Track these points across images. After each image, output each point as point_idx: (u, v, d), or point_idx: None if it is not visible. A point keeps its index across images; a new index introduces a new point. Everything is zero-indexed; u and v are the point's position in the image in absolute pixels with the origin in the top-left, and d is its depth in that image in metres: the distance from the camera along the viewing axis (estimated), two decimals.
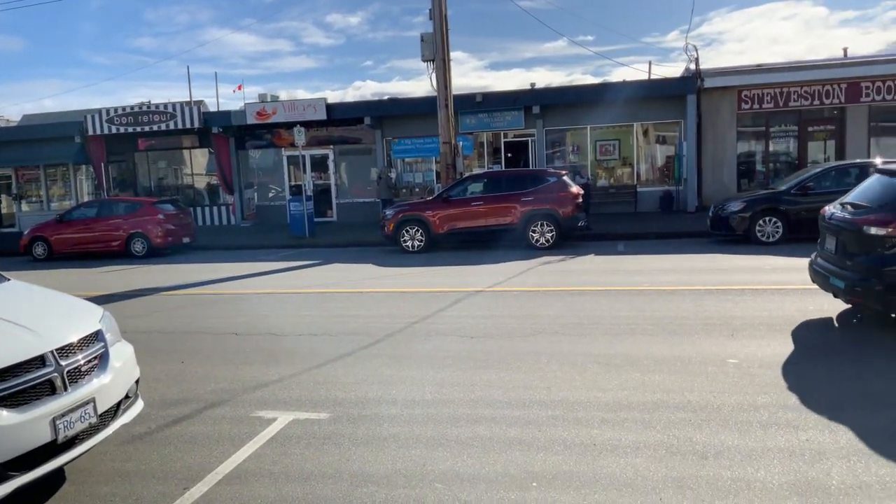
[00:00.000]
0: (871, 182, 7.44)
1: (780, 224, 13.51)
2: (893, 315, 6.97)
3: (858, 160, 15.36)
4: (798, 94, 19.38)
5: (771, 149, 20.53)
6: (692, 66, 20.93)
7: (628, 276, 10.86)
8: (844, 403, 5.00)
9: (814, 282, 7.84)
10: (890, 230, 6.41)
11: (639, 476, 4.05)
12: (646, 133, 21.83)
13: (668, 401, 5.25)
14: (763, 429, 4.64)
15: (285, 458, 4.57)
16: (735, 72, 20.30)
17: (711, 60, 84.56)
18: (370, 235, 17.98)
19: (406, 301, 9.81)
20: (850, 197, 7.59)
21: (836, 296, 7.37)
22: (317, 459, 4.52)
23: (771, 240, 13.51)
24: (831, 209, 7.71)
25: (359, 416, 5.25)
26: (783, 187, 14.16)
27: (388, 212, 16.31)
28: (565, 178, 15.59)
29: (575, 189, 15.40)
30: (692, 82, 20.05)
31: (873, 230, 6.54)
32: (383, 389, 5.85)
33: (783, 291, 9.01)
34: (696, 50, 21.71)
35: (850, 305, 7.49)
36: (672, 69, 42.49)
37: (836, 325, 7.25)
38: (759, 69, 20.16)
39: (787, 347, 6.48)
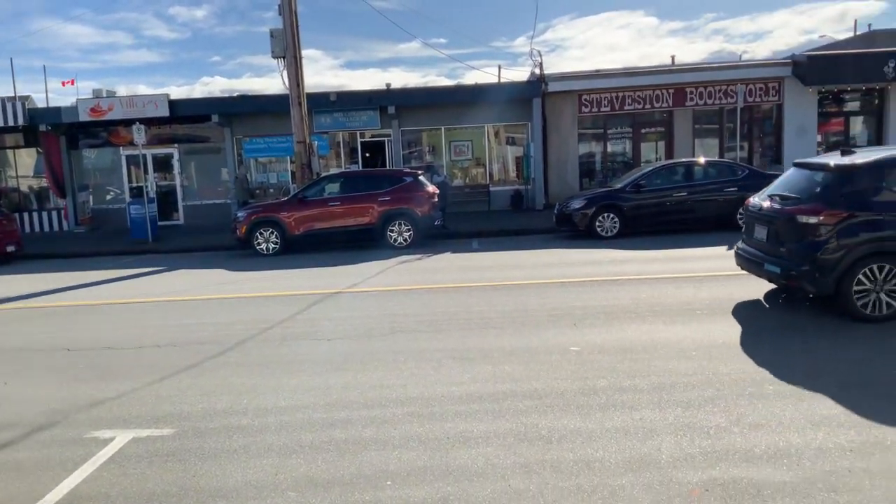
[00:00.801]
0: (792, 174, 8.14)
1: (617, 219, 14.53)
2: (811, 295, 7.49)
3: (683, 159, 16.88)
4: (632, 98, 20.93)
5: (609, 149, 22.01)
6: (537, 71, 21.97)
7: (481, 273, 11.21)
8: (674, 385, 5.47)
9: (742, 269, 8.47)
10: (821, 218, 7.00)
11: (489, 465, 4.20)
12: (497, 134, 22.63)
13: (517, 390, 5.48)
14: (602, 411, 4.98)
15: (124, 479, 4.27)
16: (575, 77, 21.56)
17: (556, 66, 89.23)
18: (221, 239, 17.23)
19: (259, 306, 9.51)
20: (774, 189, 8.17)
21: (770, 280, 7.98)
22: (159, 478, 4.27)
23: (610, 234, 14.50)
24: (757, 201, 8.28)
25: (206, 430, 5.02)
26: (619, 185, 15.25)
27: (241, 213, 15.71)
28: (421, 177, 15.81)
29: (431, 188, 15.66)
30: (537, 86, 21.05)
31: (806, 219, 7.11)
32: (233, 399, 5.63)
33: (619, 282, 9.70)
34: (541, 55, 22.84)
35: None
36: (520, 73, 44.24)
37: (668, 310, 7.91)
38: (597, 74, 21.54)
39: (622, 334, 6.98)
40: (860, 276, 6.93)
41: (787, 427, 4.54)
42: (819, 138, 21.16)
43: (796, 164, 8.27)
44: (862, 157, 7.41)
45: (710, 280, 9.47)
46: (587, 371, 5.87)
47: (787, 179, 8.16)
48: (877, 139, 20.79)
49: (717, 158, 18.46)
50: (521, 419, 4.89)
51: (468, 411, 5.09)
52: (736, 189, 14.44)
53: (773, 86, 20.40)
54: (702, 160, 15.99)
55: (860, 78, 20.03)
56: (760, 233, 7.98)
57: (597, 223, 14.63)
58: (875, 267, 6.89)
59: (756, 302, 8.07)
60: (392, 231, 15.04)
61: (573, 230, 15.13)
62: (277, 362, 6.64)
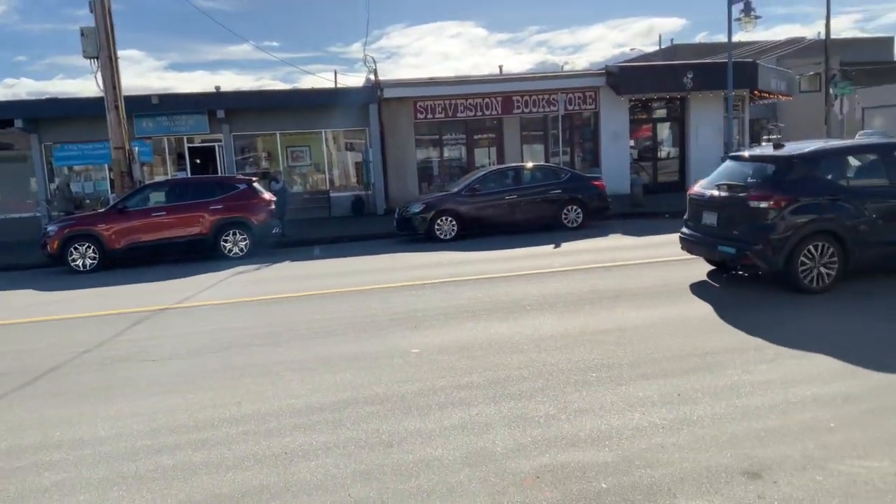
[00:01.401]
0: (729, 166, 9.02)
1: (455, 222, 14.95)
2: (760, 273, 8.40)
3: (513, 164, 17.75)
4: (464, 105, 21.64)
5: (445, 155, 22.60)
6: (372, 77, 22.06)
7: (323, 280, 11.03)
8: (508, 378, 5.70)
9: (690, 252, 9.40)
10: (771, 203, 7.88)
11: (329, 476, 4.13)
12: (335, 140, 22.42)
13: (358, 397, 5.45)
14: (441, 410, 5.08)
15: None
16: (410, 84, 21.91)
17: (392, 72, 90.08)
18: (30, 256, 15.53)
19: (74, 329, 8.67)
20: (716, 179, 8.87)
21: (723, 261, 8.87)
22: None
23: (449, 237, 14.88)
24: (701, 190, 9.03)
25: (11, 469, 4.49)
26: (455, 189, 15.71)
27: (51, 228, 14.25)
28: (256, 184, 15.27)
29: (267, 196, 15.17)
30: (373, 92, 21.13)
31: (757, 204, 7.96)
32: (44, 433, 5.09)
33: (458, 283, 9.98)
34: (375, 62, 23.05)
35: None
36: (357, 79, 44.22)
37: (502, 308, 8.23)
38: (431, 82, 22.05)
39: (460, 333, 7.18)
40: (804, 254, 7.89)
41: (608, 410, 4.89)
42: (632, 143, 23.13)
43: (732, 157, 9.25)
44: (797, 149, 8.48)
45: (540, 277, 10.01)
46: (427, 372, 5.97)
47: (726, 170, 8.99)
48: (680, 142, 23.11)
49: (542, 163, 19.60)
50: (363, 426, 4.86)
51: (308, 423, 4.98)
52: (560, 191, 15.41)
53: (590, 95, 22.01)
54: (529, 165, 16.91)
55: (664, 88, 22.15)
56: (710, 218, 8.76)
57: (436, 226, 14.95)
58: (815, 245, 7.87)
59: (582, 295, 8.63)
60: (226, 241, 14.38)
61: (414, 234, 15.34)
62: (95, 389, 6.09)
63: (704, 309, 7.61)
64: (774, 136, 31.00)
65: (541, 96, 21.72)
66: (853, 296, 7.81)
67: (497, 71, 39.29)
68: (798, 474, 3.84)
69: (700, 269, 9.78)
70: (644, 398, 5.09)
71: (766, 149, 9.23)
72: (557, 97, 19.89)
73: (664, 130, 23.84)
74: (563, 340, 6.70)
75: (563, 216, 15.40)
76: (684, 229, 9.47)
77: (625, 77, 21.69)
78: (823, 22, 42.39)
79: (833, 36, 45.47)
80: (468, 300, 8.72)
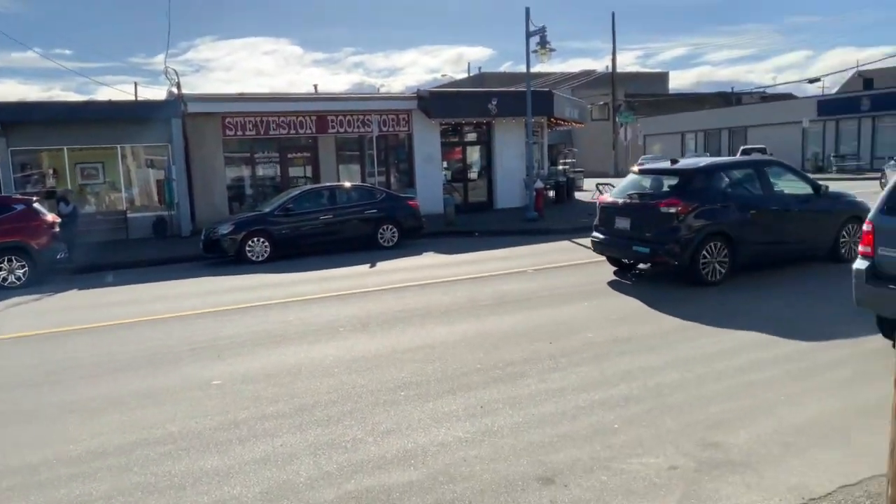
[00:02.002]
0: (634, 179, 10.54)
1: (267, 243, 14.43)
2: (673, 266, 9.61)
3: (328, 184, 17.59)
4: (277, 123, 21.08)
5: (258, 173, 21.82)
6: (175, 91, 20.78)
7: (115, 309, 10.07)
8: (316, 404, 5.54)
9: (604, 254, 10.73)
10: (679, 209, 9.17)
11: None
12: (135, 156, 20.76)
13: (150, 437, 5.00)
14: (241, 444, 4.80)
15: None
16: (217, 99, 20.94)
17: (202, 86, 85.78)
18: None
19: None
20: (625, 190, 10.32)
21: (637, 260, 10.25)
22: None
23: (261, 259, 14.32)
24: (612, 199, 10.32)
25: None
26: (268, 209, 15.20)
27: None
28: (37, 205, 13.65)
29: (49, 217, 13.61)
30: (176, 106, 19.89)
31: (667, 209, 9.26)
32: None
33: (269, 306, 9.61)
34: (178, 74, 21.58)
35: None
36: (162, 92, 41.48)
37: (314, 330, 8.03)
38: (240, 98, 21.26)
39: (268, 359, 6.89)
40: (704, 251, 9.21)
41: (414, 429, 4.93)
42: (445, 165, 23.95)
43: (637, 171, 10.82)
44: (693, 164, 10.23)
45: (354, 297, 9.94)
46: (229, 404, 5.63)
47: (631, 183, 10.49)
48: (487, 164, 24.31)
49: (358, 183, 19.62)
50: (153, 469, 4.45)
51: (87, 472, 4.46)
52: (376, 211, 15.50)
53: (403, 117, 22.47)
54: (345, 185, 16.85)
55: (472, 113, 23.21)
56: (623, 223, 9.98)
57: (247, 248, 14.33)
58: (713, 244, 9.23)
59: (395, 314, 8.68)
60: (1, 269, 12.68)
61: (223, 256, 14.58)
62: None
63: (507, 322, 7.98)
64: (570, 160, 33.74)
65: (356, 117, 21.78)
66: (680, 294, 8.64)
67: (312, 90, 38.87)
68: (586, 476, 4.11)
69: (508, 284, 10.29)
70: (450, 413, 5.19)
71: (663, 163, 11.31)
72: (372, 118, 20.07)
73: (474, 153, 24.95)
74: (375, 361, 6.67)
75: (379, 235, 15.49)
76: (596, 234, 10.62)
77: (435, 102, 22.42)
78: (611, 57, 47.21)
79: (619, 70, 50.77)
80: (278, 324, 8.42)
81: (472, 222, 19.21)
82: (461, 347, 6.99)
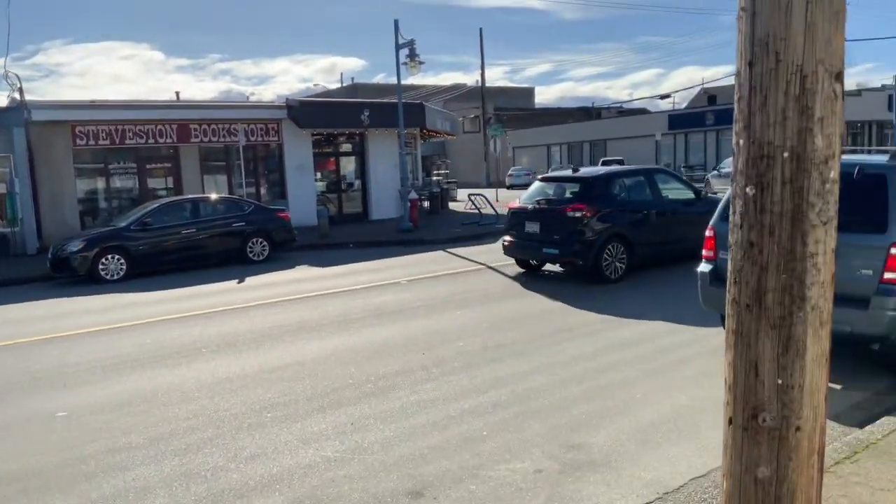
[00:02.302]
0: (540, 186, 11.42)
1: (123, 261, 13.48)
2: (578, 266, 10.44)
3: (191, 195, 16.75)
4: (134, 132, 19.81)
5: (113, 185, 20.41)
6: (17, 97, 19.02)
7: None
8: (173, 432, 5.20)
9: (515, 256, 11.32)
10: (584, 213, 10.01)
11: None
12: None
13: None
14: (88, 481, 4.40)
15: None
16: (65, 106, 19.37)
17: (53, 93, 79.40)
18: None
19: None
20: (533, 196, 11.06)
21: (547, 260, 10.99)
22: None
23: (116, 277, 13.34)
24: (522, 205, 10.99)
25: None
26: (124, 224, 14.22)
27: None
28: None
29: None
30: (18, 114, 18.21)
31: (573, 214, 10.05)
32: None
33: (122, 329, 8.96)
34: (20, 79, 19.74)
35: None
36: (2, 99, 37.90)
37: (173, 353, 7.56)
38: (92, 105, 19.78)
39: (122, 387, 6.40)
40: (606, 252, 10.07)
41: (281, 452, 4.74)
42: (319, 175, 23.55)
43: (542, 179, 11.82)
44: (593, 172, 11.26)
45: (220, 315, 9.49)
46: (76, 437, 5.17)
47: (538, 190, 11.33)
48: (361, 175, 24.17)
49: (225, 194, 18.83)
50: None
51: None
52: (244, 224, 14.92)
53: (272, 127, 21.86)
54: (210, 196, 16.12)
55: (344, 123, 23.00)
56: (532, 227, 10.66)
57: (100, 266, 13.31)
58: (612, 245, 10.10)
59: (264, 331, 8.35)
60: None
61: (73, 275, 13.45)
62: None
63: (381, 334, 7.90)
64: (444, 171, 34.29)
65: (221, 126, 20.91)
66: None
67: (175, 97, 37.01)
68: (455, 487, 4.12)
69: (381, 296, 10.22)
70: (318, 432, 5.05)
71: (566, 172, 12.42)
72: (238, 127, 19.36)
73: (349, 164, 24.73)
74: (240, 382, 6.38)
75: (249, 249, 14.92)
76: (507, 237, 11.23)
77: (305, 111, 22.02)
78: (480, 71, 48.53)
79: (488, 84, 52.27)
80: (134, 348, 7.85)
81: (347, 234, 18.99)
82: (332, 363, 6.84)
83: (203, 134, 20.75)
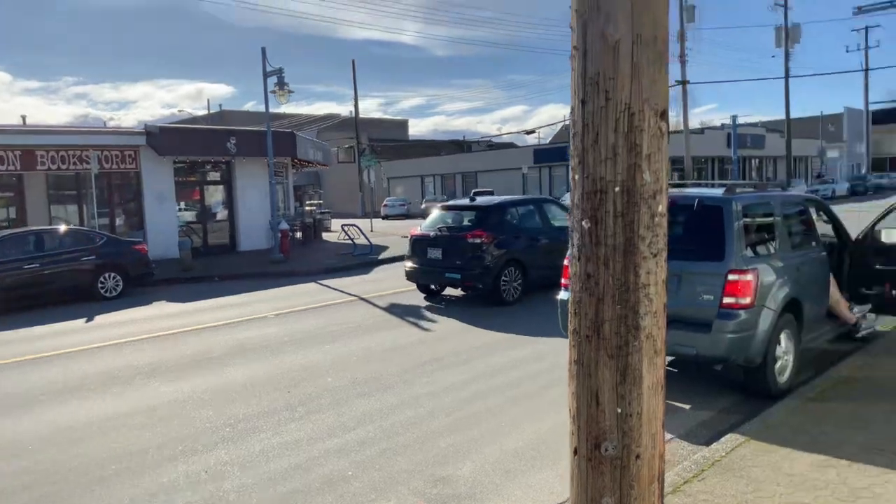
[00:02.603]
0: (440, 214, 11.86)
1: None
2: (478, 287, 10.99)
3: (35, 227, 15.32)
4: None
5: None
6: None
7: None
8: (1, 496, 4.62)
9: (418, 281, 11.74)
10: (483, 239, 10.61)
11: None
12: None
13: None
14: None
15: None
16: None
17: None
18: None
19: None
20: (434, 223, 11.60)
21: (449, 285, 11.40)
22: None
23: None
24: (423, 232, 11.50)
25: None
26: None
27: None
28: None
29: None
30: None
31: (473, 240, 10.65)
32: None
33: None
34: None
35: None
36: None
37: (8, 406, 6.79)
38: None
39: None
40: (504, 275, 10.70)
41: None
42: (182, 205, 22.39)
43: (442, 207, 12.26)
44: (490, 201, 11.96)
45: (64, 358, 8.66)
46: None
47: (439, 217, 11.77)
48: (229, 205, 23.24)
49: (75, 226, 17.42)
50: None
51: None
52: (95, 257, 13.82)
53: (129, 154, 20.57)
54: (58, 228, 14.83)
55: (209, 151, 22.07)
56: (434, 253, 11.15)
57: None
58: (509, 269, 10.73)
59: (113, 374, 7.69)
60: None
61: None
62: None
63: (243, 373, 7.51)
64: (316, 201, 33.78)
65: (72, 153, 19.41)
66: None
67: (21, 121, 34.16)
68: None
69: (247, 332, 9.77)
70: (168, 484, 4.67)
71: (464, 201, 13.31)
72: (91, 154, 18.06)
73: (215, 193, 23.73)
74: (82, 432, 5.81)
75: (100, 285, 13.83)
76: (409, 263, 11.68)
77: (166, 138, 20.94)
78: (354, 102, 48.59)
79: (362, 115, 52.42)
80: None
81: (212, 266, 18.13)
82: (188, 406, 6.40)
83: (51, 161, 19.18)
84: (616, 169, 1.87)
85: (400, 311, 10.90)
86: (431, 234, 11.44)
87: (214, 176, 23.47)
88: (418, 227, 12.06)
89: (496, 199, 12.60)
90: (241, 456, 5.11)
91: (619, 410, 1.92)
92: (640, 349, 1.91)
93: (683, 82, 34.00)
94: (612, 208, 1.88)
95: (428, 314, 10.52)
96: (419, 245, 11.54)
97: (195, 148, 21.88)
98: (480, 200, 12.15)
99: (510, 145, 58.74)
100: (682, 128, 34.65)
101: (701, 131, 45.46)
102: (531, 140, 55.15)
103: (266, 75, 18.46)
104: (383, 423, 5.69)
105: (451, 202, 14.09)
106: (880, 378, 6.03)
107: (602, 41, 1.84)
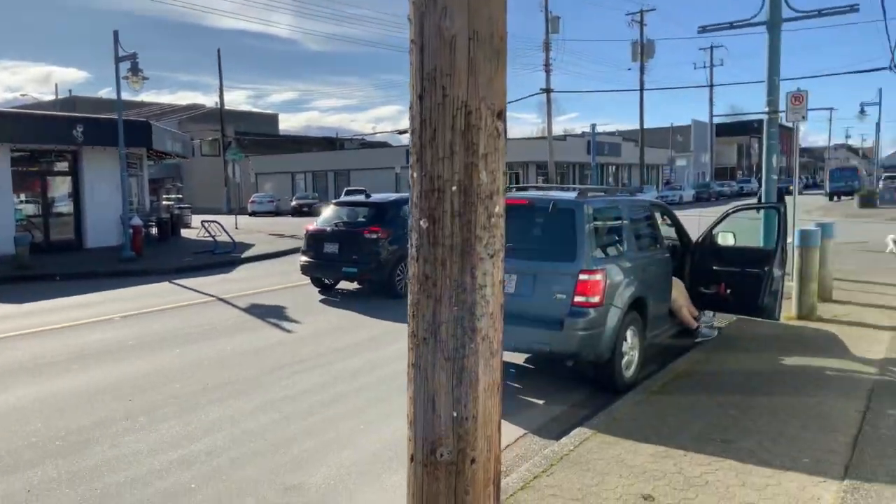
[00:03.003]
0: (336, 210, 12.24)
1: None
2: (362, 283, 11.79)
3: None
4: None
5: None
6: None
7: None
8: None
9: (314, 274, 11.89)
10: (380, 235, 10.95)
11: None
12: None
13: None
14: None
15: None
16: None
17: None
18: None
19: None
20: (330, 219, 11.88)
21: (345, 279, 11.61)
22: None
23: None
24: (319, 227, 11.75)
25: None
26: None
27: None
28: None
29: None
30: None
31: (370, 235, 10.95)
32: None
33: None
34: None
35: None
36: None
37: None
38: None
39: None
40: (398, 269, 11.03)
41: None
42: (22, 198, 20.36)
43: (336, 203, 12.56)
44: (385, 198, 12.07)
45: None
46: None
47: (334, 213, 12.10)
48: (75, 198, 21.37)
49: None
50: None
51: None
52: None
53: None
54: None
55: (53, 139, 20.20)
56: (332, 248, 11.35)
57: None
58: (403, 263, 10.71)
59: None
60: None
61: None
62: None
63: (81, 380, 6.88)
64: (177, 196, 31.97)
65: None
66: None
67: None
68: None
69: (89, 335, 8.98)
70: None
71: (359, 196, 13.65)
72: None
73: (61, 185, 21.75)
74: None
75: None
76: (304, 258, 11.75)
77: (3, 123, 18.99)
78: (219, 93, 46.51)
79: (229, 107, 50.31)
80: None
81: (55, 264, 16.60)
82: (12, 419, 5.76)
83: None
84: (453, 167, 1.82)
85: (261, 311, 10.48)
86: (328, 229, 11.68)
87: (61, 166, 21.54)
88: (314, 223, 12.28)
89: (392, 195, 12.76)
90: (70, 471, 4.66)
91: (455, 414, 1.88)
92: (476, 351, 1.88)
93: (548, 90, 35.49)
94: (450, 208, 1.84)
95: (291, 314, 10.20)
96: (315, 240, 11.72)
97: (35, 135, 19.96)
98: (376, 197, 12.40)
99: (384, 144, 58.67)
100: (546, 134, 36.13)
101: (564, 138, 47.68)
102: (405, 140, 55.38)
103: (118, 60, 17.16)
104: (234, 430, 5.41)
105: (345, 198, 14.24)
106: (714, 371, 6.52)
107: (439, 36, 1.79)
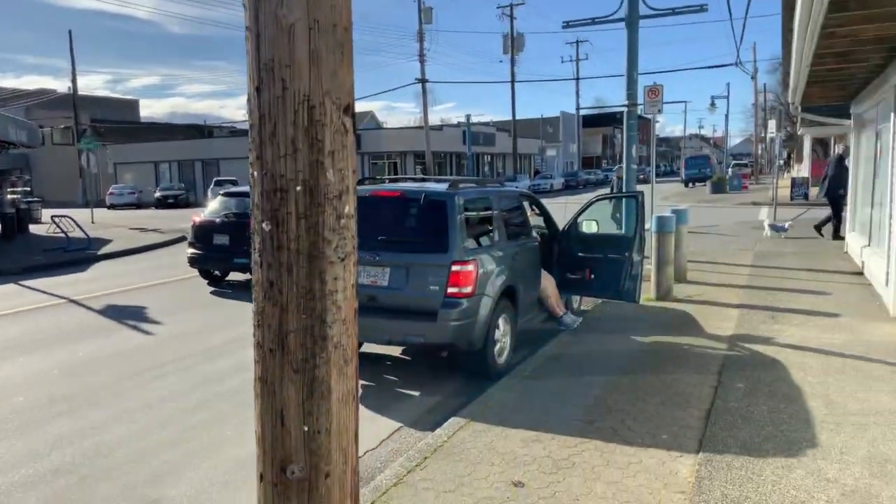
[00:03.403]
0: (222, 201, 11.86)
1: None
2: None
3: None
4: None
5: None
6: None
7: None
8: None
9: (201, 267, 11.51)
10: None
11: None
12: None
13: None
14: None
15: None
16: None
17: None
18: None
19: None
20: (220, 211, 11.54)
21: (236, 270, 11.15)
22: None
23: None
24: (209, 219, 11.38)
25: None
26: None
27: None
28: None
29: None
30: None
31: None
32: None
33: None
34: None
35: None
36: None
37: None
38: None
39: None
40: None
41: None
42: None
43: (225, 194, 12.12)
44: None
45: None
46: None
47: (222, 204, 11.75)
48: None
49: None
50: None
51: None
52: None
53: None
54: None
55: None
56: (222, 239, 11.02)
57: None
58: None
59: None
60: None
61: None
62: None
63: None
64: (21, 188, 29.22)
65: None
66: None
67: None
68: None
69: None
70: None
71: (235, 188, 13.58)
72: None
73: None
74: None
75: None
76: (192, 250, 11.36)
77: None
78: (71, 77, 42.90)
79: (84, 93, 46.57)
80: None
81: None
82: None
83: None
84: (297, 166, 1.70)
85: (119, 313, 9.76)
86: (217, 220, 11.40)
87: None
88: (201, 214, 11.97)
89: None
90: None
91: (307, 428, 1.77)
92: (328, 360, 1.78)
93: (423, 80, 35.62)
94: (295, 209, 1.72)
95: (153, 315, 9.57)
96: (203, 231, 11.40)
97: None
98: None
99: None
100: (423, 124, 36.30)
101: (441, 128, 48.07)
102: None
103: None
104: (85, 444, 4.98)
105: (234, 189, 13.88)
106: (581, 353, 6.78)
107: (276, 23, 1.65)
